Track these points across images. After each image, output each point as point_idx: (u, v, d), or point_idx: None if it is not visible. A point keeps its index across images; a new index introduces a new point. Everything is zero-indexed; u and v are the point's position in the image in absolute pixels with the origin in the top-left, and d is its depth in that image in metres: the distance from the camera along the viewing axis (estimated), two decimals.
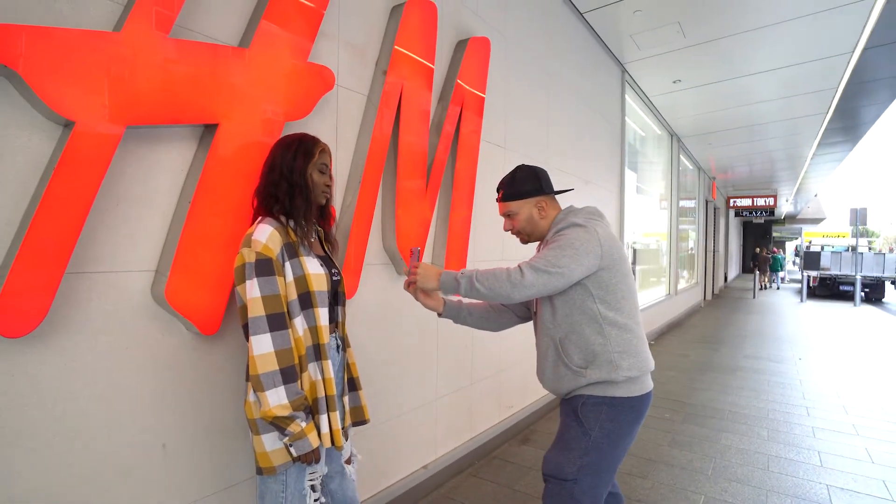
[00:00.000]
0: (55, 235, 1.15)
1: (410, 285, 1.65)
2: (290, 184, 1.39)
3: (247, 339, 1.30)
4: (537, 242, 1.76)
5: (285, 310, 1.31)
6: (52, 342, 1.21)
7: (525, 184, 1.68)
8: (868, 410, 4.11)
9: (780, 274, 15.85)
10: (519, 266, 1.48)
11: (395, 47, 2.16)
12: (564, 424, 1.58)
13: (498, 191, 1.73)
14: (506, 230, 1.76)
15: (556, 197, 1.74)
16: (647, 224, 7.80)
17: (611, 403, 1.50)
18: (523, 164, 1.74)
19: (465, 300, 1.73)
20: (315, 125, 1.86)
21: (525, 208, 1.67)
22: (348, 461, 1.59)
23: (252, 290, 1.27)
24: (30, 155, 1.17)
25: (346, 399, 1.56)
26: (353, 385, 1.61)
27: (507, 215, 1.71)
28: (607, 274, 1.52)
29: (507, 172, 1.73)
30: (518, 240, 1.76)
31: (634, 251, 6.80)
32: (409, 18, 2.22)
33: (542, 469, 1.58)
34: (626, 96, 5.75)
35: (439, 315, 1.75)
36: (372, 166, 2.06)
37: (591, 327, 1.51)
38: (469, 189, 2.71)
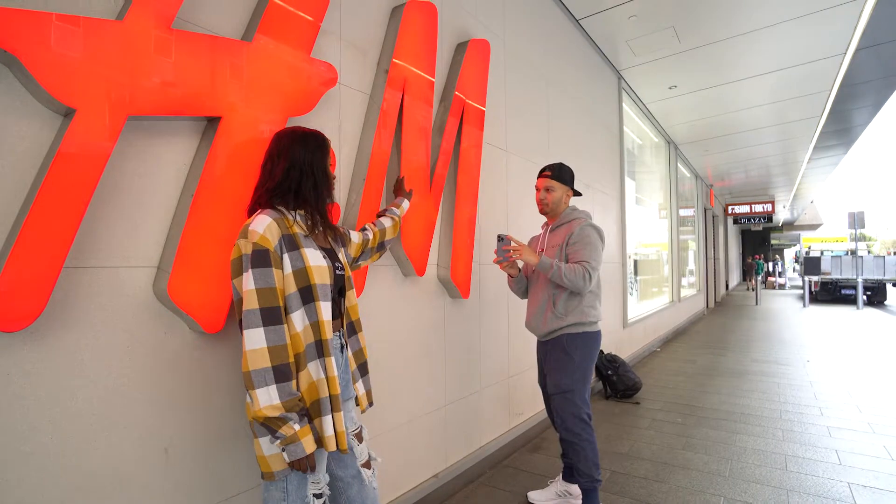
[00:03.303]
0: (54, 227, 1.11)
1: (504, 263, 2.31)
2: (315, 178, 1.38)
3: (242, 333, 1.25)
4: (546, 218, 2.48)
5: (281, 304, 1.25)
6: (50, 339, 1.16)
7: (567, 175, 2.41)
8: (882, 409, 4.03)
9: (759, 277, 15.97)
10: (585, 269, 2.15)
11: (397, 47, 2.15)
12: (555, 358, 2.29)
13: (546, 170, 2.39)
14: (538, 199, 2.41)
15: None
16: (647, 234, 7.78)
17: (583, 337, 2.26)
18: (565, 163, 2.43)
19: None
20: (318, 121, 1.84)
21: (560, 190, 2.37)
22: (367, 464, 1.51)
23: (247, 282, 1.22)
24: (28, 144, 1.13)
25: (358, 385, 1.51)
26: (364, 369, 1.58)
27: (547, 189, 2.37)
28: None
29: (554, 162, 2.45)
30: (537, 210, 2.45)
31: (636, 262, 6.76)
32: (410, 19, 2.21)
33: (549, 391, 2.33)
34: (624, 104, 5.78)
35: (512, 277, 2.47)
36: (376, 165, 2.03)
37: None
38: (473, 189, 2.68)
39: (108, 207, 1.27)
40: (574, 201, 2.52)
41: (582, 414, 2.22)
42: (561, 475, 2.55)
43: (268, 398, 1.18)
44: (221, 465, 1.51)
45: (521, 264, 2.48)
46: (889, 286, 15.19)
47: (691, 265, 11.41)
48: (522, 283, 2.51)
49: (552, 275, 2.18)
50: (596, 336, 2.30)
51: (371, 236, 1.78)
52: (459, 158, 2.60)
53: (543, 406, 3.60)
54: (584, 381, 2.25)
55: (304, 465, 1.24)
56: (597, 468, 2.21)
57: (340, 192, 1.95)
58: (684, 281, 9.96)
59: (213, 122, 1.48)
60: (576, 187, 2.44)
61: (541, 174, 2.40)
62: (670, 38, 4.66)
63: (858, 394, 4.50)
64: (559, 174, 2.37)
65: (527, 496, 2.54)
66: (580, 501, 2.38)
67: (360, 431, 1.53)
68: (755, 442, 3.32)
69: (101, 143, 1.19)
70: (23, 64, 1.07)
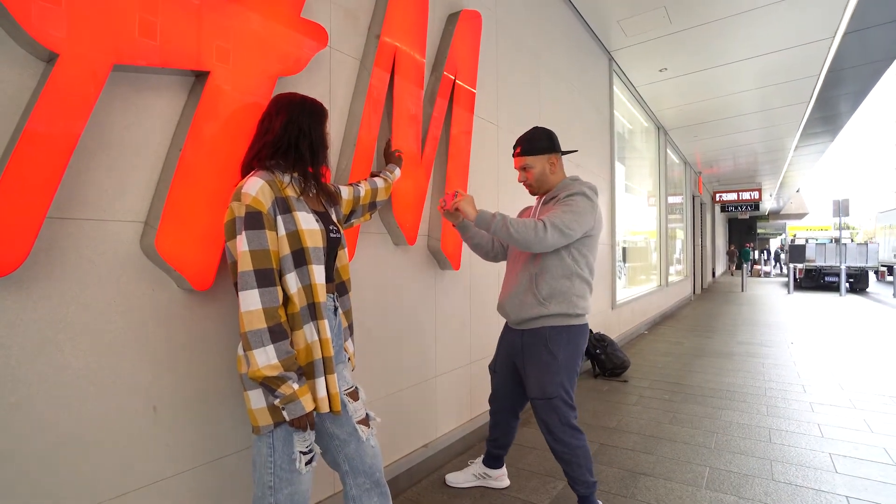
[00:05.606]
0: (36, 173, 1.08)
1: (445, 208, 1.98)
2: (311, 139, 1.40)
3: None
4: (539, 196, 2.08)
5: (275, 266, 1.26)
6: (35, 289, 1.14)
7: (541, 141, 2.01)
8: (863, 387, 4.13)
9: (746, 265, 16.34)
10: (542, 221, 1.77)
11: (388, 15, 2.12)
12: (535, 356, 1.96)
13: (516, 147, 2.03)
14: (520, 181, 2.07)
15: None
16: (636, 221, 7.82)
17: (569, 331, 1.94)
18: (538, 126, 2.06)
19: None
20: (308, 84, 1.81)
21: (539, 163, 2.01)
22: (364, 422, 1.50)
23: (241, 244, 1.23)
24: (10, 90, 1.10)
25: (348, 343, 1.53)
26: (352, 329, 1.60)
27: (524, 168, 2.03)
28: (587, 240, 1.93)
29: (525, 132, 2.05)
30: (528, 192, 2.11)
31: (624, 249, 6.81)
32: None
33: (530, 394, 1.98)
34: (614, 87, 5.76)
35: (454, 225, 2.12)
36: (366, 132, 2.01)
37: (562, 272, 1.92)
38: (464, 161, 2.66)
39: (95, 159, 1.24)
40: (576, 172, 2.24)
41: (571, 420, 1.94)
42: (481, 458, 2.38)
43: (265, 358, 1.20)
44: (212, 424, 1.50)
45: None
46: (871, 273, 15.45)
47: (678, 254, 11.51)
48: (480, 238, 2.17)
49: (495, 227, 1.80)
50: (582, 330, 1.98)
51: (363, 193, 1.78)
52: (451, 128, 2.57)
53: None
54: (571, 382, 1.95)
55: (303, 423, 1.26)
56: (591, 472, 1.98)
57: (330, 158, 1.93)
58: (671, 269, 10.05)
59: (200, 77, 1.45)
60: (566, 167, 2.11)
61: (514, 152, 2.06)
62: (661, 17, 4.65)
63: (840, 373, 4.60)
64: (530, 147, 2.00)
65: (445, 479, 2.41)
66: (504, 482, 2.35)
67: (356, 391, 1.53)
68: (740, 417, 3.38)
69: (86, 91, 1.16)
70: (4, 5, 1.03)
